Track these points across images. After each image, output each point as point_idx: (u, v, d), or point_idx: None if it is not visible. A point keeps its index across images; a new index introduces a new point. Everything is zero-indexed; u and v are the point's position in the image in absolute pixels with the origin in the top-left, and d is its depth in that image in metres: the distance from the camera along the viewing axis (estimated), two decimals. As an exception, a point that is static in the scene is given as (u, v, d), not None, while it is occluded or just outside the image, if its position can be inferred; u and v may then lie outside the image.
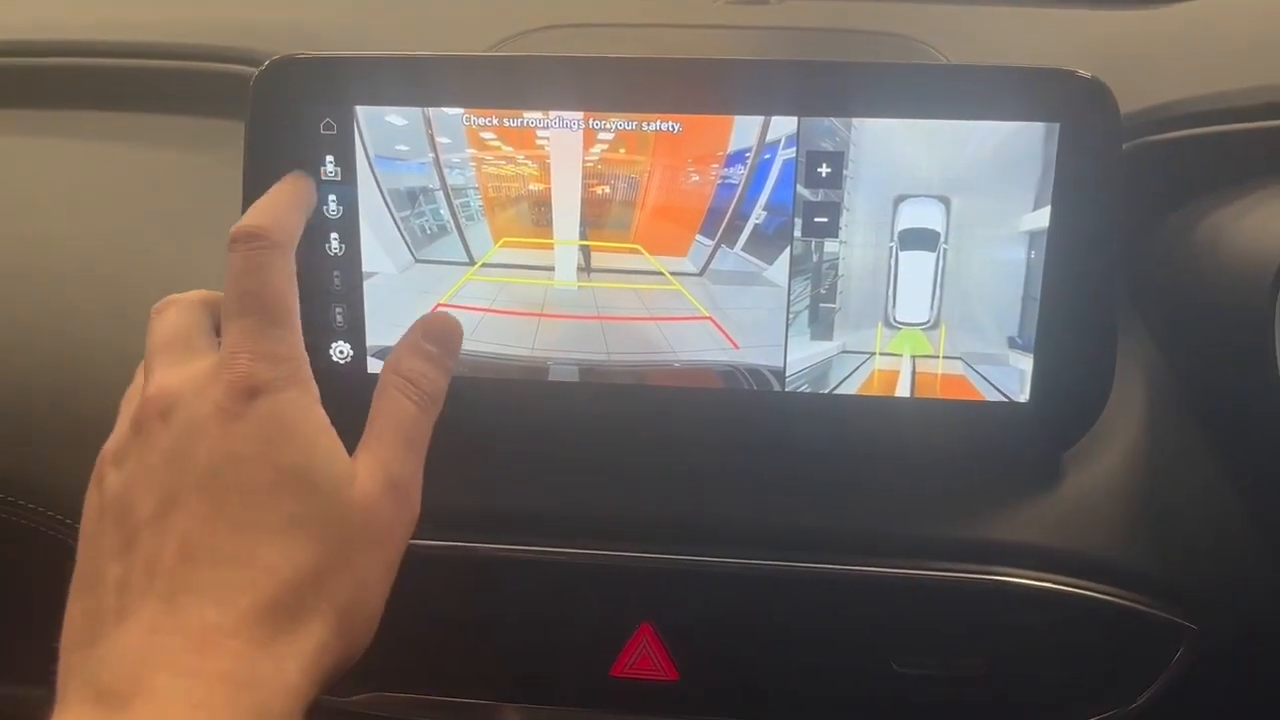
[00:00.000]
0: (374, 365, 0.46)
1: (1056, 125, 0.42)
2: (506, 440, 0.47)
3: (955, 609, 0.44)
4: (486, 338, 0.45)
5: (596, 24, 0.71)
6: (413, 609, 0.48)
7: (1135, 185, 0.53)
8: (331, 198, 0.44)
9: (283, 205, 0.37)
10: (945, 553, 0.44)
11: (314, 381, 0.33)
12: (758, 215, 0.43)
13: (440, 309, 0.45)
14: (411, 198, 0.44)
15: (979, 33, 0.68)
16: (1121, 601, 0.43)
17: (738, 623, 0.46)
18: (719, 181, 0.43)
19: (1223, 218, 0.49)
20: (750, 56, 0.68)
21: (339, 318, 0.46)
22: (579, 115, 0.43)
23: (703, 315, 0.45)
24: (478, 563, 0.45)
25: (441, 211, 0.45)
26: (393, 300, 0.45)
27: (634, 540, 0.44)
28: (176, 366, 0.33)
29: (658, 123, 0.43)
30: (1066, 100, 0.41)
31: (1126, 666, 0.45)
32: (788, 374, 0.45)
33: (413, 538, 0.44)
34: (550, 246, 0.44)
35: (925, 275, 0.44)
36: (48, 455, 0.50)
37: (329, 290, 0.45)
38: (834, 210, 0.43)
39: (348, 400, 0.46)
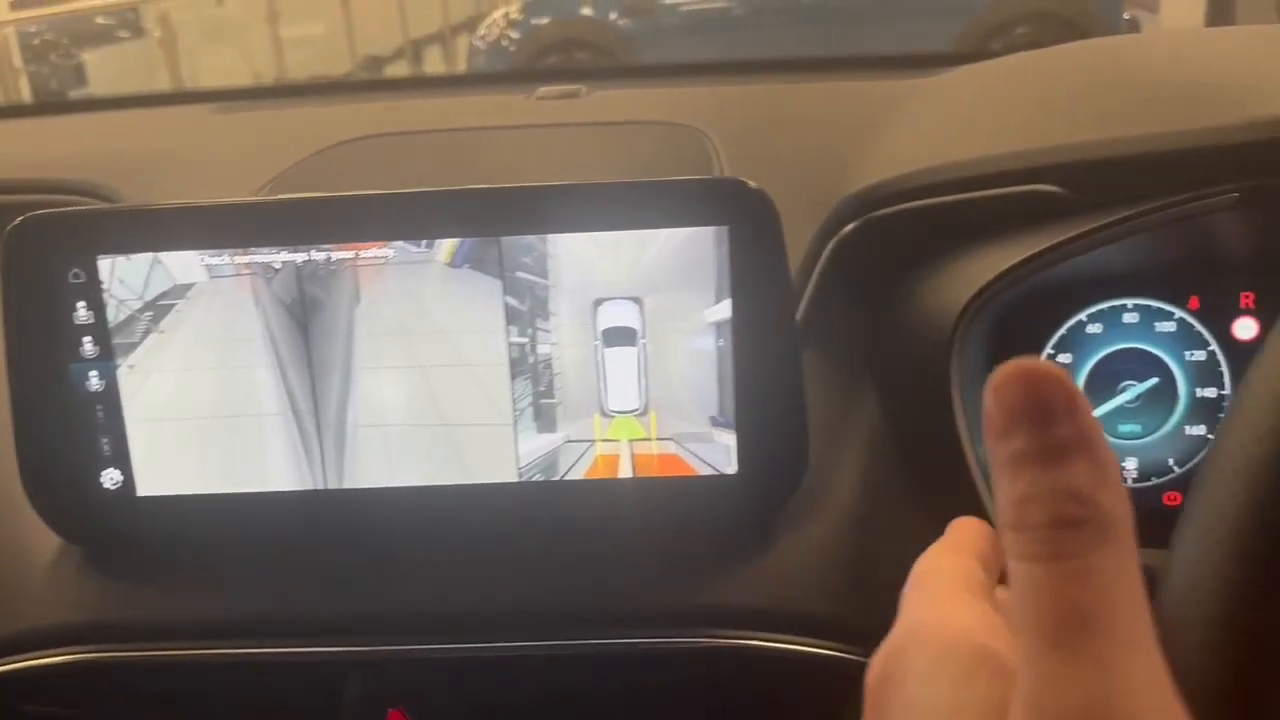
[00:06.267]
0: (143, 488, 0.50)
1: (726, 228, 0.47)
2: (248, 548, 0.50)
3: (681, 672, 0.48)
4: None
5: (413, 131, 0.75)
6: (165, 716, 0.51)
7: (867, 256, 0.58)
8: (87, 339, 0.48)
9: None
10: (672, 620, 0.48)
11: None
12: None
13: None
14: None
15: (753, 113, 0.74)
16: (830, 653, 0.47)
17: (482, 703, 0.50)
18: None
19: (923, 284, 0.55)
20: (559, 148, 0.73)
21: (106, 448, 0.49)
22: (294, 252, 0.47)
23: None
24: (233, 667, 0.49)
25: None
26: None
27: (381, 633, 0.48)
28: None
29: (373, 250, 0.47)
30: (731, 206, 0.46)
31: (839, 715, 0.49)
32: (521, 464, 0.49)
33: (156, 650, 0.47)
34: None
35: (630, 368, 0.48)
36: None
37: (94, 424, 0.49)
38: (541, 316, 0.48)
39: (119, 524, 0.50)
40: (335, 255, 0.47)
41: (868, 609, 0.48)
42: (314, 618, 0.49)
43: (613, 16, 4.69)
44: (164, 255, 0.48)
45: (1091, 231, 0.48)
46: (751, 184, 0.46)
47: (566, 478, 0.49)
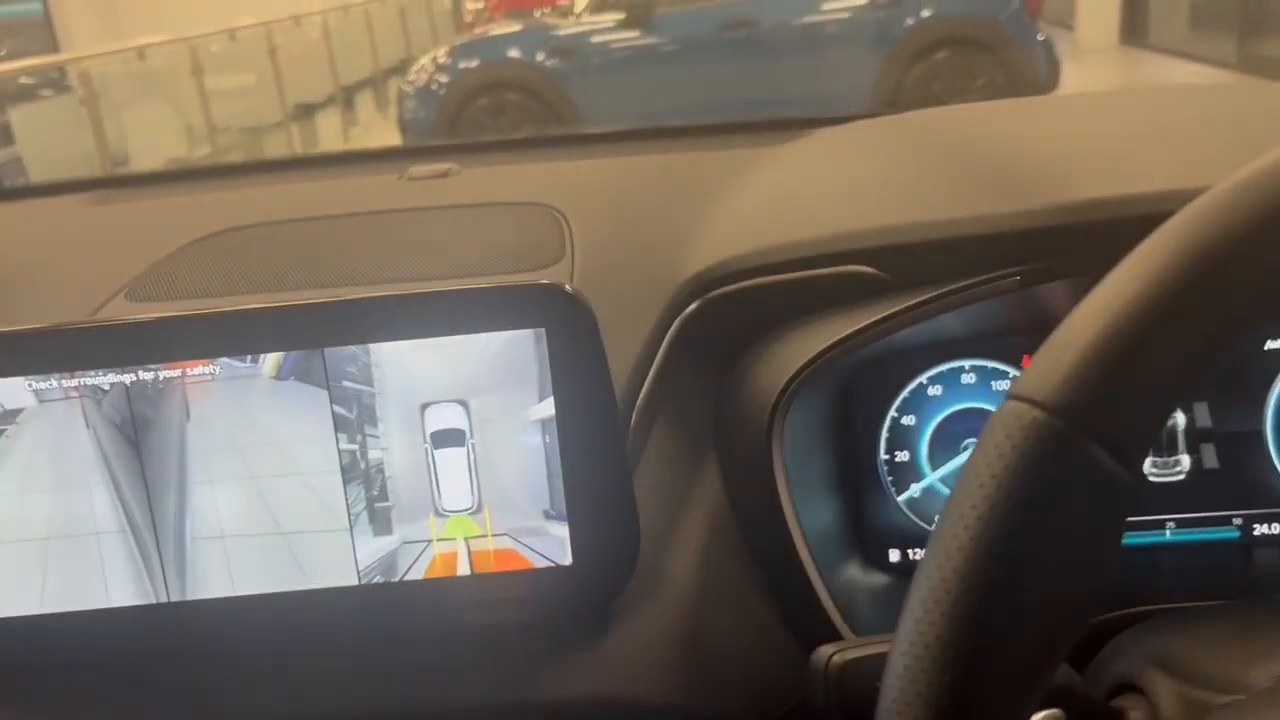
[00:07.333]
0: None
1: (543, 330, 0.48)
2: (92, 667, 0.50)
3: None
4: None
5: (281, 221, 0.76)
6: None
7: (711, 333, 0.60)
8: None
9: None
10: (515, 715, 0.49)
11: None
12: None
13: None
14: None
15: (610, 190, 0.76)
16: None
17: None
18: (263, 412, 0.49)
19: (757, 359, 0.57)
20: (424, 231, 0.74)
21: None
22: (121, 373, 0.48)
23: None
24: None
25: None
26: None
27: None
28: None
29: (199, 367, 0.48)
30: (547, 309, 0.48)
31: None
32: (360, 568, 0.50)
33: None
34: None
35: (460, 468, 0.49)
36: None
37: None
38: (370, 422, 0.49)
39: None
40: (163, 374, 0.48)
41: (704, 691, 0.50)
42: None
43: (540, 58, 4.74)
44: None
45: (894, 315, 0.51)
46: (568, 288, 0.48)
47: (406, 578, 0.50)
